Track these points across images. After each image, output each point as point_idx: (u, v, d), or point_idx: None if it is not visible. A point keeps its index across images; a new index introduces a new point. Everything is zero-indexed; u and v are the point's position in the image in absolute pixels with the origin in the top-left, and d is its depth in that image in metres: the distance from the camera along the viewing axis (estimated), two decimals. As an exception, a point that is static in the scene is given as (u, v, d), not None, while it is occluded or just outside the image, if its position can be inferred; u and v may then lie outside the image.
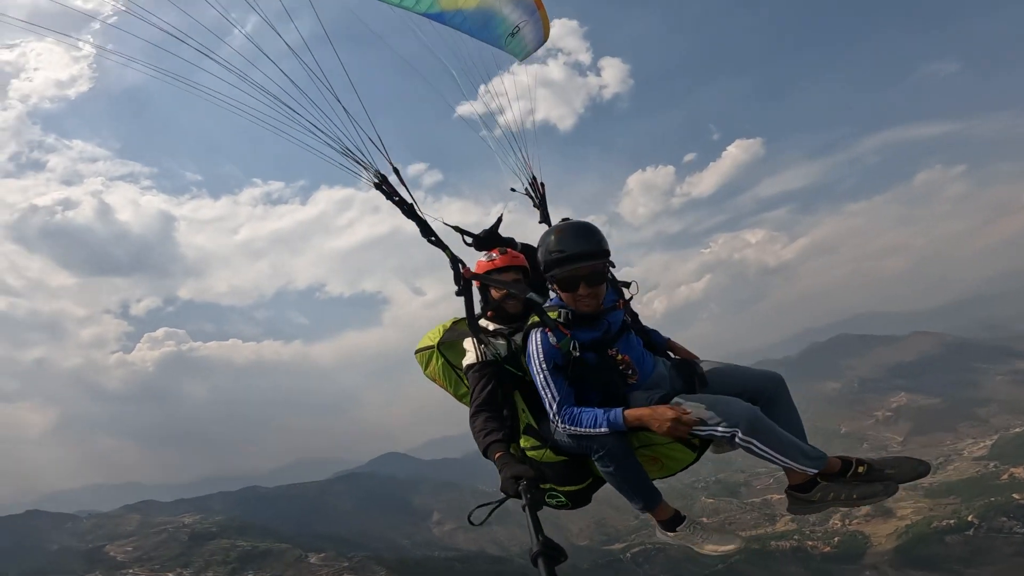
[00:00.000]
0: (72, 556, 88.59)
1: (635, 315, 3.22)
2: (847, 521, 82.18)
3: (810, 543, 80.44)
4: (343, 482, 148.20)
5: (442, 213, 2.83)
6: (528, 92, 4.14)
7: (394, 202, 3.07)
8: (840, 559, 74.75)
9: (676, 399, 2.80)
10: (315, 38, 3.30)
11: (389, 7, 3.76)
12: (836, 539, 79.99)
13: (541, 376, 2.84)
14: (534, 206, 3.85)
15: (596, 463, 2.83)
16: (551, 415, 2.83)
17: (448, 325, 3.35)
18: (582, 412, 2.78)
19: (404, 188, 3.07)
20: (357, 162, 3.03)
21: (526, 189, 3.90)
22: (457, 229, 3.30)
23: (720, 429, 2.66)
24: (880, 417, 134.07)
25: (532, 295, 2.98)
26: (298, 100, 2.93)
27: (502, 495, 2.56)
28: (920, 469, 2.93)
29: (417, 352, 3.41)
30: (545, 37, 4.66)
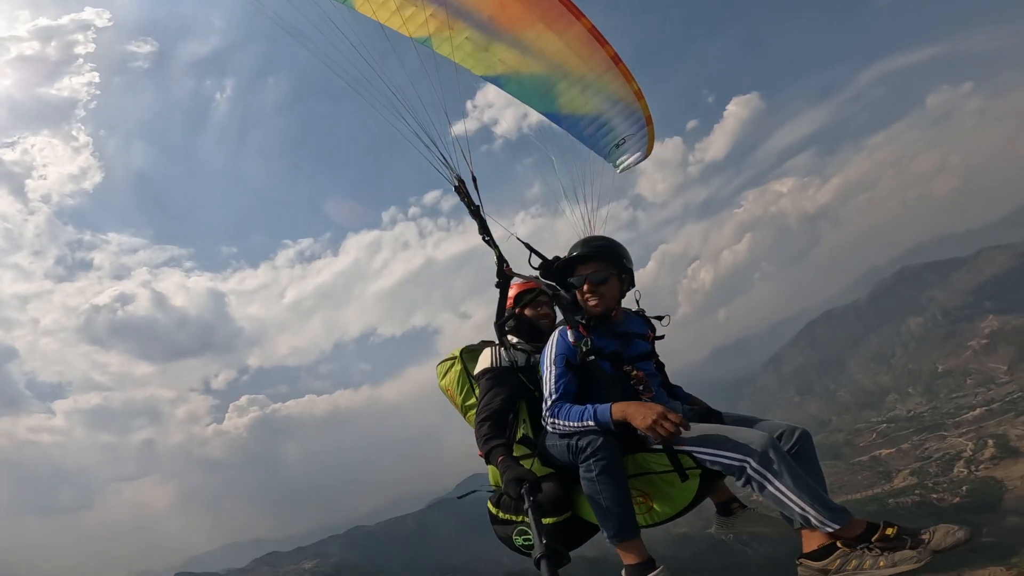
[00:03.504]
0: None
1: (662, 365, 3.29)
2: (973, 468, 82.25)
3: (935, 496, 79.10)
4: (437, 510, 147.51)
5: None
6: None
7: (464, 202, 3.76)
8: (974, 509, 71.08)
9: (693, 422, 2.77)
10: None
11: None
12: (964, 488, 78.02)
13: (548, 372, 2.99)
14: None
15: (581, 469, 2.76)
16: (544, 409, 2.94)
17: (477, 344, 3.65)
18: (572, 407, 2.86)
19: (476, 193, 3.73)
20: (447, 166, 3.84)
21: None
22: (528, 247, 3.50)
23: (728, 456, 2.57)
24: (976, 347, 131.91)
25: (560, 291, 3.27)
26: (413, 111, 3.82)
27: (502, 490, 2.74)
28: (960, 536, 2.48)
29: (439, 364, 3.67)
30: (647, 153, 5.11)
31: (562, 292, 3.32)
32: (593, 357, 3.00)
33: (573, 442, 2.83)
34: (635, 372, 3.07)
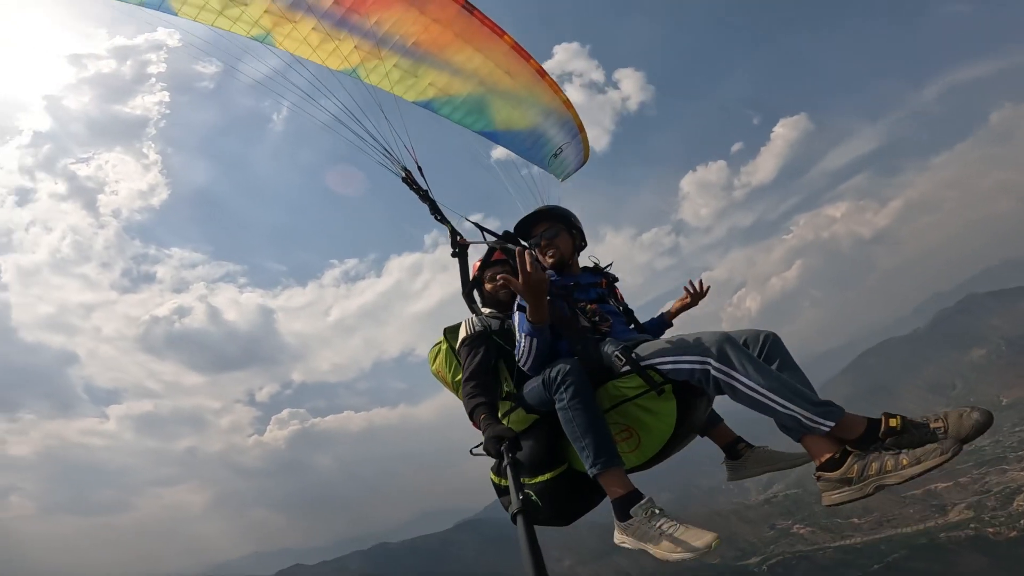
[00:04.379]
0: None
1: (630, 310, 3.55)
2: (1036, 502, 77.99)
3: (991, 530, 76.82)
4: (464, 530, 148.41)
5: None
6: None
7: (413, 190, 3.91)
8: (1031, 542, 67.19)
9: (643, 344, 2.80)
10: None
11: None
12: (1023, 522, 75.71)
13: (515, 317, 3.15)
14: None
15: (555, 403, 2.76)
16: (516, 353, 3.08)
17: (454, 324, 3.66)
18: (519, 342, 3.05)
19: (423, 180, 3.92)
20: (391, 159, 3.91)
21: None
22: (478, 226, 3.86)
23: (688, 360, 2.54)
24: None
25: (508, 244, 3.54)
26: (348, 106, 3.88)
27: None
28: (976, 417, 2.25)
29: (429, 352, 3.75)
30: (585, 158, 5.42)
31: (508, 245, 3.56)
32: (548, 298, 3.03)
33: (546, 375, 2.85)
34: (589, 305, 3.21)
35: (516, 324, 3.14)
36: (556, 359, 2.92)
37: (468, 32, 4.32)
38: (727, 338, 2.53)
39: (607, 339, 3.00)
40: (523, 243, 3.64)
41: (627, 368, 2.76)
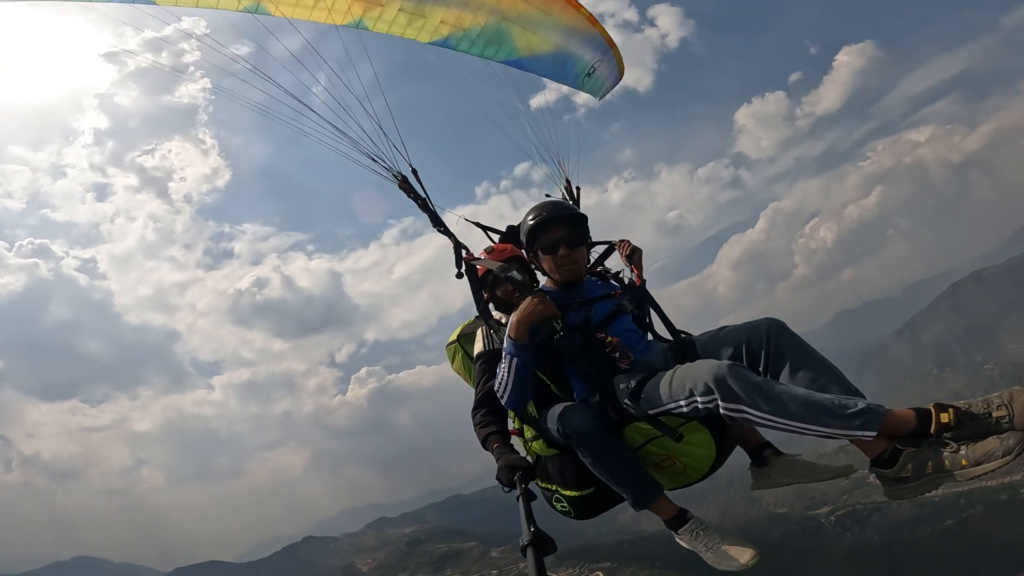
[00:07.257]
0: (333, 573, 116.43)
1: (648, 312, 3.19)
2: None
3: None
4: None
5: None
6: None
7: (411, 198, 3.64)
8: None
9: (651, 381, 2.63)
10: (353, 57, 3.81)
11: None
12: None
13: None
14: None
15: (579, 455, 2.73)
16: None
17: (472, 320, 3.61)
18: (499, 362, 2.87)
19: (420, 186, 3.65)
20: (383, 166, 3.67)
21: (563, 193, 4.30)
22: (479, 225, 3.78)
23: (700, 400, 2.34)
24: None
25: (513, 273, 3.09)
26: (334, 111, 3.64)
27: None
28: None
29: (447, 347, 3.70)
30: (620, 74, 5.28)
31: (514, 274, 3.14)
32: (561, 334, 2.86)
33: (560, 427, 2.77)
34: (609, 339, 2.92)
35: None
36: (567, 403, 2.85)
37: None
38: (727, 369, 2.28)
39: (621, 376, 2.82)
40: (524, 240, 3.32)
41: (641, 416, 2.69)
